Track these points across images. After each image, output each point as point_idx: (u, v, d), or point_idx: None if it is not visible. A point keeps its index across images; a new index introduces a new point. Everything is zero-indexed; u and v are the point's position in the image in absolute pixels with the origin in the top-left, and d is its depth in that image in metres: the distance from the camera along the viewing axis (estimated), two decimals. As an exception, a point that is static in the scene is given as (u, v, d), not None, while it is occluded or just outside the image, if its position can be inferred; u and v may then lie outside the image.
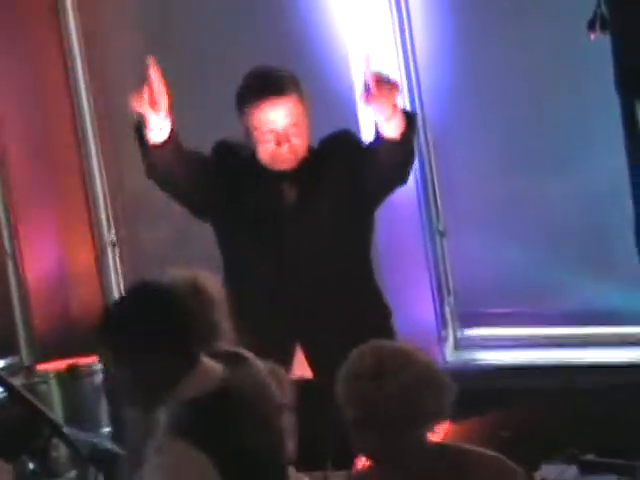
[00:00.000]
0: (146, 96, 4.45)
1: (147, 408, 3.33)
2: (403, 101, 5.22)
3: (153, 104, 4.47)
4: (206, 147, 4.85)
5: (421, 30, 5.83)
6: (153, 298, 3.24)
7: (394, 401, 3.15)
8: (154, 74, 4.43)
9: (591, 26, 4.43)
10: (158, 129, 4.53)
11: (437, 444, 3.36)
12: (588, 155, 5.28)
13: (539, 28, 5.26)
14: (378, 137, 4.54)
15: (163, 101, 4.46)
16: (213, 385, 3.13)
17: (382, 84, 4.42)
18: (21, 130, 6.47)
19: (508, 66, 5.50)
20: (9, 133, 6.37)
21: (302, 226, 4.64)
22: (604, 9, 4.46)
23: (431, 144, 5.74)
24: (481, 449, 3.42)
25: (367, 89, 4.44)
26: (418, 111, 5.61)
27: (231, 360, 3.37)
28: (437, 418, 3.26)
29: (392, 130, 4.43)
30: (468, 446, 3.43)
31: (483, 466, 3.31)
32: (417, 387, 3.16)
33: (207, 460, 3.03)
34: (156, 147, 4.59)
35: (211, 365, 3.19)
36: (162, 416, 3.15)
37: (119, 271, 6.61)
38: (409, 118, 4.48)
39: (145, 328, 3.15)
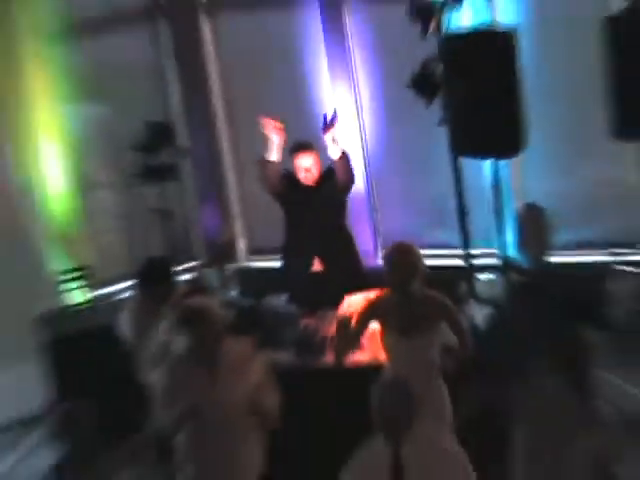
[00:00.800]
0: (276, 129, 6.63)
1: None
2: (346, 141, 7.56)
3: (278, 131, 6.60)
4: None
5: (369, 114, 8.40)
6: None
7: (397, 267, 5.30)
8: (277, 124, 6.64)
9: (440, 123, 6.78)
10: (275, 151, 6.68)
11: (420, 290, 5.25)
12: (439, 177, 7.66)
13: (425, 120, 6.99)
14: (333, 162, 6.69)
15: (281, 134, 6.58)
16: None
17: (330, 123, 6.61)
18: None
19: (410, 137, 8.02)
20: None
21: (317, 208, 6.87)
22: (450, 115, 6.51)
23: (372, 174, 8.42)
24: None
25: (324, 126, 6.63)
26: (366, 160, 8.38)
27: None
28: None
29: (335, 153, 6.66)
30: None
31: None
32: (409, 264, 5.26)
33: None
34: (271, 163, 6.69)
35: None
36: None
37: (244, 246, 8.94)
38: (344, 152, 6.72)
39: None
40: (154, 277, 5.89)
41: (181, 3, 8.42)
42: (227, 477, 4.90)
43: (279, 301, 7.09)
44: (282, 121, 6.76)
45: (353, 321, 5.69)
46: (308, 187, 7.00)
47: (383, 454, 4.34)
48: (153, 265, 6.00)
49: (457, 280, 7.18)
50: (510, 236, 7.00)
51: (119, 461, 4.95)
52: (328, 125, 6.76)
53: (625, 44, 5.82)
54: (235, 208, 9.10)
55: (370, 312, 5.58)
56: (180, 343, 5.05)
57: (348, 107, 8.32)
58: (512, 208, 7.21)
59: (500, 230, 7.12)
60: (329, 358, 6.21)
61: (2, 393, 6.50)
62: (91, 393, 5.12)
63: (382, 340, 5.57)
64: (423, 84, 6.69)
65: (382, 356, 5.66)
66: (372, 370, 5.50)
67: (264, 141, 6.81)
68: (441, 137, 6.97)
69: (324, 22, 8.08)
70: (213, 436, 4.93)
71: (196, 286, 7.13)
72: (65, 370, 6.93)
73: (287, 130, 6.99)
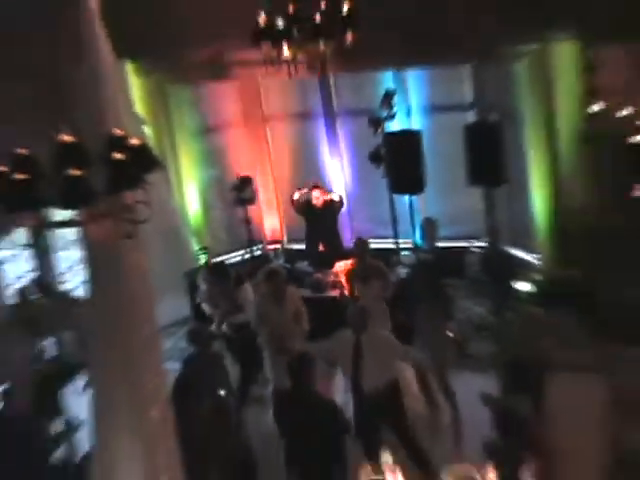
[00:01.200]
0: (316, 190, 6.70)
1: None
2: (338, 188, 7.52)
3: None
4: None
5: (349, 173, 8.01)
6: None
7: (360, 249, 5.31)
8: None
9: (383, 176, 6.53)
10: (299, 194, 6.86)
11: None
12: (383, 203, 7.06)
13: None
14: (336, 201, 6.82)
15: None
16: None
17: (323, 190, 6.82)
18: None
19: (369, 183, 7.44)
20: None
21: (322, 219, 6.97)
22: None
23: (350, 202, 7.89)
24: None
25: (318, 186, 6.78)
26: (347, 195, 7.77)
27: None
28: None
29: (336, 197, 6.88)
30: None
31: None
32: (365, 249, 5.26)
33: None
34: (296, 200, 6.87)
35: None
36: None
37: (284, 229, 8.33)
38: (340, 196, 6.93)
39: None
40: (215, 273, 5.75)
41: (253, 118, 8.08)
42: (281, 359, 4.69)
43: (303, 265, 7.10)
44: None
45: (345, 283, 5.78)
46: (318, 208, 6.98)
47: (350, 338, 4.43)
48: (214, 266, 5.95)
49: (391, 254, 7.00)
50: (417, 233, 6.76)
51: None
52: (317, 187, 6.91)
53: (473, 144, 6.05)
54: (281, 217, 8.56)
55: (352, 276, 5.69)
56: (263, 290, 5.12)
57: (338, 171, 8.00)
58: (419, 219, 6.87)
59: (413, 230, 6.91)
60: (329, 293, 6.35)
61: (173, 307, 6.30)
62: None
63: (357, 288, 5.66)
64: (375, 158, 6.54)
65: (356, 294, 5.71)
66: (350, 300, 5.62)
67: (293, 186, 7.16)
68: (383, 183, 6.78)
69: (326, 128, 7.85)
70: (279, 337, 4.95)
71: (262, 260, 7.19)
72: (196, 302, 6.65)
73: (304, 182, 7.14)
